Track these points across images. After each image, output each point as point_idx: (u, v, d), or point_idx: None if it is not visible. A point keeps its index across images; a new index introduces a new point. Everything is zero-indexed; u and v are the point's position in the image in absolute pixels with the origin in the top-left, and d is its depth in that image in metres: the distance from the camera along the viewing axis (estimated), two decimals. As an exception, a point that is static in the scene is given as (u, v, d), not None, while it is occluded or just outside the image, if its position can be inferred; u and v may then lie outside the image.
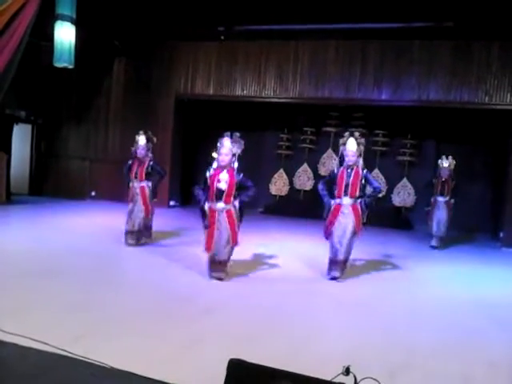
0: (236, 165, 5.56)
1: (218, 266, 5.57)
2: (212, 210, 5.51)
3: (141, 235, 7.27)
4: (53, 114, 13.14)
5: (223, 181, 5.43)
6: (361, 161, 6.02)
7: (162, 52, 12.40)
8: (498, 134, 11.08)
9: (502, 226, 10.20)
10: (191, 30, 11.44)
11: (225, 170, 5.47)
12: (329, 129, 12.51)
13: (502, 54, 9.95)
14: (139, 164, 7.27)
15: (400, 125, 11.95)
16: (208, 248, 5.53)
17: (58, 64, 8.67)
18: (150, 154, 7.37)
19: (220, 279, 5.56)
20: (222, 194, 5.45)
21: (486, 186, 11.59)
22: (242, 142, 5.55)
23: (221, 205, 5.47)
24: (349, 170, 5.95)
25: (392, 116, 11.79)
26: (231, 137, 5.48)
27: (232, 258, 5.76)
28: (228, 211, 5.49)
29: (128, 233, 7.21)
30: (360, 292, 5.71)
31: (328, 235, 6.10)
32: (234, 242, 5.54)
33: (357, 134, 6.19)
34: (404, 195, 12.12)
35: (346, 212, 5.93)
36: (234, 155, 5.48)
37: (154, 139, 7.53)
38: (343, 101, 11.32)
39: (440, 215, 8.74)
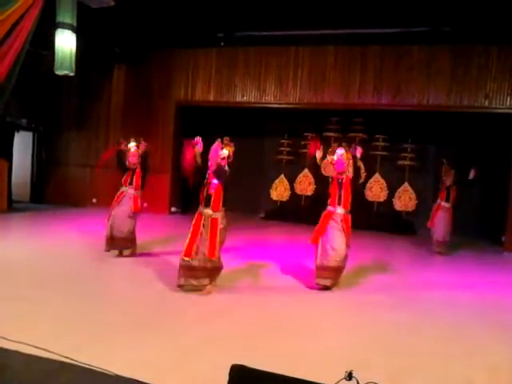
0: (226, 168, 5.44)
1: (188, 272, 5.29)
2: (199, 214, 5.39)
3: (125, 243, 7.00)
4: (54, 122, 13.17)
5: (214, 185, 5.39)
6: (350, 170, 5.99)
7: (161, 58, 12.45)
8: (499, 138, 11.09)
9: (503, 231, 10.20)
10: (191, 36, 11.49)
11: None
12: (329, 134, 12.53)
13: (501, 57, 9.98)
14: (133, 171, 7.08)
15: (400, 129, 11.96)
16: (187, 254, 5.25)
17: (59, 72, 8.69)
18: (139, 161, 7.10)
19: (181, 286, 5.28)
20: (210, 200, 5.39)
21: (487, 190, 11.57)
22: (232, 144, 5.50)
23: (208, 211, 5.35)
24: (339, 181, 5.95)
25: (392, 121, 11.80)
26: (221, 142, 5.45)
27: (228, 266, 5.72)
28: (213, 220, 5.31)
29: (109, 239, 6.94)
30: (361, 297, 5.69)
31: (316, 240, 5.90)
32: (210, 255, 5.24)
33: (345, 144, 6.21)
34: (405, 200, 12.11)
35: (337, 220, 5.89)
36: (223, 159, 5.43)
37: (145, 145, 7.33)
38: (343, 106, 11.34)
39: (444, 221, 8.72)
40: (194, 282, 5.33)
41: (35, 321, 4.07)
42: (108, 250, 6.96)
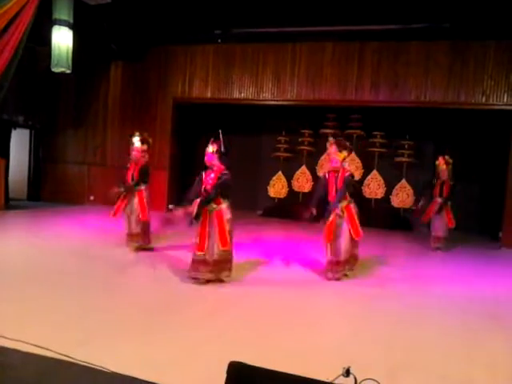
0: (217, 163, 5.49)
1: (201, 266, 5.46)
2: (204, 210, 5.48)
3: (139, 239, 7.20)
4: (51, 119, 13.14)
5: (209, 181, 5.45)
6: (346, 164, 6.09)
7: (158, 55, 12.43)
8: (496, 135, 11.11)
9: (501, 227, 10.23)
10: (188, 33, 11.47)
11: (213, 171, 5.50)
12: (327, 131, 12.52)
13: (498, 54, 9.99)
14: (135, 167, 7.20)
15: (398, 126, 11.97)
16: (201, 248, 5.43)
17: (56, 69, 8.68)
18: (146, 156, 7.30)
19: (195, 279, 5.45)
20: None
21: (484, 186, 11.61)
22: (222, 140, 5.54)
23: (211, 205, 5.45)
24: (336, 175, 6.04)
25: (390, 117, 11.81)
26: (215, 139, 5.52)
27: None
28: (218, 212, 5.44)
29: (128, 235, 7.21)
30: (360, 293, 5.71)
31: (329, 238, 6.08)
32: (223, 245, 5.42)
33: (341, 138, 6.27)
34: (403, 196, 12.13)
35: (341, 214, 6.00)
36: (213, 153, 5.48)
37: (150, 140, 7.49)
38: (340, 102, 11.33)
39: (440, 217, 8.74)
40: (206, 276, 5.47)
41: (34, 318, 4.07)
42: (130, 246, 7.16)
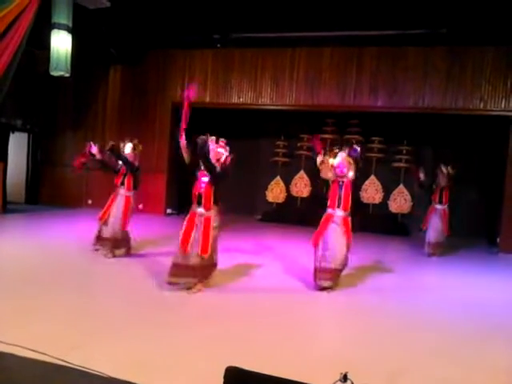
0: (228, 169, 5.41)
1: (182, 271, 5.27)
2: (192, 213, 5.37)
3: (116, 243, 6.99)
4: (49, 123, 13.14)
5: (203, 183, 5.35)
6: (351, 173, 5.97)
7: (157, 59, 12.45)
8: (494, 140, 11.13)
9: (498, 232, 10.23)
10: (187, 37, 11.49)
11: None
12: (325, 136, 12.53)
13: (496, 59, 10.02)
14: (126, 172, 7.10)
15: (396, 131, 11.99)
16: (183, 246, 5.24)
17: (55, 73, 8.67)
18: (137, 163, 7.19)
19: (172, 284, 5.25)
20: (202, 198, 5.34)
21: (482, 191, 11.62)
22: (227, 148, 5.50)
23: (201, 211, 5.33)
24: (340, 183, 5.95)
25: (388, 122, 11.83)
26: (216, 142, 5.46)
27: (225, 267, 5.71)
28: (206, 218, 5.31)
29: (97, 238, 7.07)
30: (357, 298, 5.69)
31: (316, 242, 5.92)
32: (203, 251, 5.24)
33: (345, 147, 6.20)
34: (400, 201, 12.14)
35: (337, 222, 5.87)
36: (217, 160, 5.43)
37: (140, 147, 7.41)
38: (339, 107, 11.35)
39: (437, 222, 8.74)
40: (185, 280, 5.31)
41: (30, 322, 4.05)
42: (96, 250, 7.04)
